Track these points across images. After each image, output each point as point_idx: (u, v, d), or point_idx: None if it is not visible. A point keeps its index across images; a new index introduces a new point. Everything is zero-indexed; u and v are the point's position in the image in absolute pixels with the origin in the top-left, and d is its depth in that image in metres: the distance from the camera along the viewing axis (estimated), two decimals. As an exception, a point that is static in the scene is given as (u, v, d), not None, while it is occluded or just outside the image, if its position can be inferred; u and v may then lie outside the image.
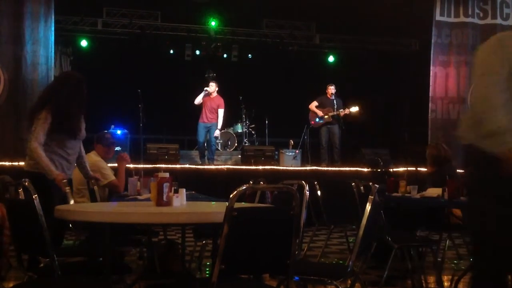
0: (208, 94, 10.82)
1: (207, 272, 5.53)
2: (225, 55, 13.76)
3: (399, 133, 13.32)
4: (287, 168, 10.45)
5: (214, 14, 12.82)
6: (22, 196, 3.68)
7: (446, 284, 5.27)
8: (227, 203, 2.48)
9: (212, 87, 10.82)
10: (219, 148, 12.24)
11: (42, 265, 3.67)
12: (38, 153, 4.40)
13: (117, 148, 9.39)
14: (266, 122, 12.68)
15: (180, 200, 3.18)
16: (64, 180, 4.39)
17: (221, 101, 10.83)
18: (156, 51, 13.23)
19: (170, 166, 9.45)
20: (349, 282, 3.25)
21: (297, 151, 11.35)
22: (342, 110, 10.90)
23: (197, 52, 13.60)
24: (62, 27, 11.85)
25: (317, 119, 11.09)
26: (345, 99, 11.26)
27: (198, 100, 10.79)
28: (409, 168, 10.34)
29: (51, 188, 4.37)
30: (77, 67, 13.10)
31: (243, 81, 13.15)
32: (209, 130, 10.84)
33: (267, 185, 3.94)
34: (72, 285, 2.96)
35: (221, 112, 10.79)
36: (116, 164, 5.64)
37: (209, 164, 10.58)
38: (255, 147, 11.61)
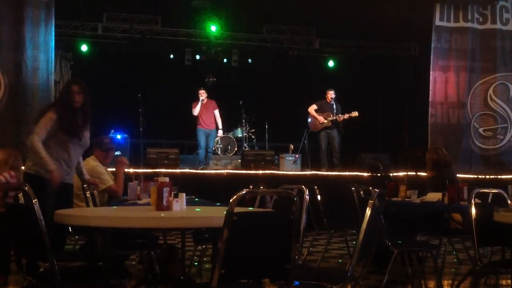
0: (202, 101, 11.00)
1: (208, 277, 5.52)
2: (225, 60, 13.78)
3: (399, 137, 13.32)
4: (287, 172, 10.44)
5: (214, 19, 12.84)
6: (22, 200, 3.68)
7: (446, 289, 5.27)
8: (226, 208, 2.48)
9: (204, 95, 11.00)
10: (219, 153, 12.25)
11: (41, 269, 3.67)
12: (37, 146, 4.52)
13: (117, 153, 9.40)
14: (266, 126, 12.69)
15: (180, 204, 3.18)
16: (58, 180, 4.49)
17: (213, 103, 11.14)
18: (156, 56, 13.26)
19: (170, 170, 9.44)
20: (349, 287, 3.24)
21: (297, 156, 11.34)
22: (341, 115, 10.91)
23: (197, 56, 13.62)
24: (62, 31, 11.87)
25: (309, 120, 11.13)
26: (345, 103, 11.26)
27: (197, 110, 10.91)
28: (409, 173, 10.32)
29: (46, 190, 4.40)
30: (77, 71, 13.12)
31: (243, 85, 13.18)
32: (208, 136, 10.98)
33: (267, 189, 3.94)
34: (72, 289, 2.96)
35: (217, 113, 11.15)
36: (115, 169, 5.64)
37: (207, 169, 10.58)
38: (255, 152, 11.60)
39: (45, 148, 4.59)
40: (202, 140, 10.95)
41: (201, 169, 10.44)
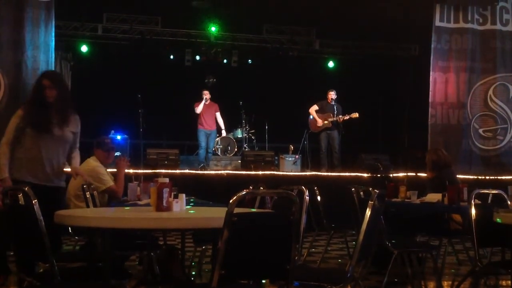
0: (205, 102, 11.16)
1: (207, 277, 5.52)
2: (225, 61, 13.77)
3: (399, 138, 13.32)
4: (287, 173, 10.44)
5: (214, 20, 12.84)
6: (22, 201, 3.68)
7: (446, 289, 5.27)
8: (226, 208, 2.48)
9: (208, 96, 11.20)
10: (219, 153, 12.25)
11: (41, 270, 3.67)
12: (1, 150, 4.43)
13: (117, 153, 9.40)
14: (266, 127, 12.69)
15: (180, 205, 3.18)
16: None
17: (216, 106, 11.32)
18: (156, 57, 13.26)
19: (170, 171, 9.43)
20: (349, 287, 3.24)
21: (297, 156, 11.34)
22: (341, 116, 10.91)
23: (197, 57, 13.61)
24: (62, 32, 11.86)
25: (311, 117, 11.15)
26: (344, 104, 11.26)
27: (200, 108, 11.07)
28: (409, 174, 10.33)
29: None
30: (77, 72, 13.13)
31: (243, 86, 13.17)
32: (208, 137, 11.10)
33: (267, 190, 3.94)
34: (72, 290, 2.96)
35: (219, 115, 11.37)
36: (115, 170, 5.64)
37: (206, 169, 10.59)
38: (255, 152, 11.60)
39: (17, 146, 4.43)
40: (202, 141, 11.04)
41: (200, 169, 10.45)
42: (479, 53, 11.38)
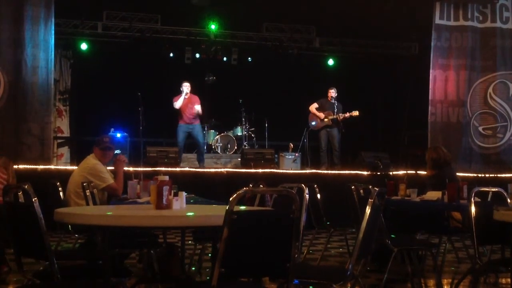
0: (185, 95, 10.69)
1: (207, 275, 5.52)
2: (225, 58, 13.77)
3: (399, 136, 13.32)
4: (287, 171, 10.44)
5: (214, 17, 12.84)
6: (22, 199, 3.68)
7: (445, 287, 5.27)
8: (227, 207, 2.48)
9: (189, 88, 10.67)
10: (219, 151, 12.25)
11: (41, 268, 3.67)
12: None
13: (117, 151, 9.40)
14: (266, 125, 12.68)
15: (179, 203, 3.18)
16: None
17: (196, 98, 10.74)
18: (156, 54, 13.25)
19: (170, 169, 9.44)
20: (349, 285, 3.24)
21: (296, 154, 11.34)
22: (341, 114, 10.91)
23: (197, 55, 13.62)
24: (62, 30, 11.86)
25: (313, 123, 11.11)
26: (345, 102, 11.26)
27: (179, 103, 10.59)
28: (408, 171, 10.33)
29: None
30: (77, 70, 13.13)
31: (243, 84, 13.16)
32: (192, 132, 10.73)
33: (266, 188, 3.94)
34: (72, 288, 2.95)
35: (199, 107, 10.59)
36: (114, 167, 5.64)
37: (201, 167, 10.55)
38: (255, 150, 11.59)
39: None
40: (179, 136, 10.66)
41: (200, 167, 10.43)
42: (479, 51, 11.38)
